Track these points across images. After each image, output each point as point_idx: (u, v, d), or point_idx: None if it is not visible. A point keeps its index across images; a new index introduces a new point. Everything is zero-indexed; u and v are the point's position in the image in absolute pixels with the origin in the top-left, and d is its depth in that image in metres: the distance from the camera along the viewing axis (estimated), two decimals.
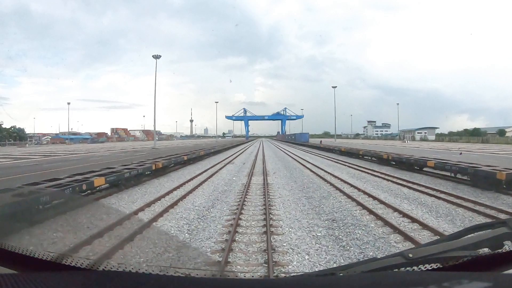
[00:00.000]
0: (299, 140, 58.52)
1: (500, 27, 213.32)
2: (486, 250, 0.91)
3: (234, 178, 12.07)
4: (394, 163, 15.77)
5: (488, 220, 5.62)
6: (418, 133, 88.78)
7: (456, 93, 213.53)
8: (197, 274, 1.20)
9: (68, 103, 75.86)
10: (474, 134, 79.66)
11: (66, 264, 0.93)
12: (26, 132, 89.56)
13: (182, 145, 50.85)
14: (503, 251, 0.87)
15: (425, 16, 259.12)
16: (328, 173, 13.38)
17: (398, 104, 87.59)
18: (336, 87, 64.76)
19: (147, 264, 4.05)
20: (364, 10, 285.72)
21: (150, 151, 29.17)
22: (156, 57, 41.13)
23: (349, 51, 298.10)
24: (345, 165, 16.70)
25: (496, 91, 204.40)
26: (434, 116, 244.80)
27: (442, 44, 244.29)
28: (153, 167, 11.23)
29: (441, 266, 0.85)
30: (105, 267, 0.92)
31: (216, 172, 13.75)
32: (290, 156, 24.11)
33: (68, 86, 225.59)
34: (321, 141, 52.17)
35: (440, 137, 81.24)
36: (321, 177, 12.08)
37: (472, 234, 0.96)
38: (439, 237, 4.28)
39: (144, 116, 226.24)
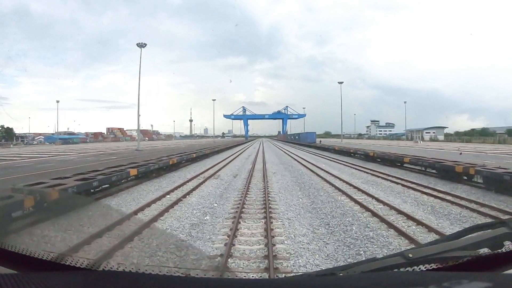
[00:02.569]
0: (304, 141, 49.96)
1: (500, 27, 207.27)
2: (486, 250, 0.88)
3: (206, 219, 5.92)
4: (466, 178, 9.90)
5: None
6: (426, 132, 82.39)
7: (456, 93, 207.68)
8: (197, 274, 1.18)
9: (57, 101, 69.25)
10: (483, 134, 74.89)
11: (66, 264, 0.92)
12: (22, 132, 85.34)
13: (174, 146, 44.60)
14: (503, 251, 0.85)
15: (425, 16, 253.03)
16: (385, 203, 7.17)
17: (405, 102, 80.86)
18: (342, 82, 57.79)
19: (147, 264, 3.77)
20: (364, 10, 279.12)
21: (130, 154, 23.40)
22: (141, 45, 34.86)
23: (349, 51, 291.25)
24: (395, 182, 10.41)
25: (496, 91, 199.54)
26: (434, 116, 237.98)
27: (442, 44, 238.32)
28: (28, 203, 4.88)
29: (441, 266, 0.84)
30: (105, 267, 0.90)
31: (180, 201, 7.49)
32: (300, 163, 17.62)
33: (68, 86, 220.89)
34: (320, 141, 46.66)
35: (450, 137, 75.66)
36: (380, 217, 5.82)
37: (472, 234, 0.93)
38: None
39: (139, 115, 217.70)
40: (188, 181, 10.48)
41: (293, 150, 32.55)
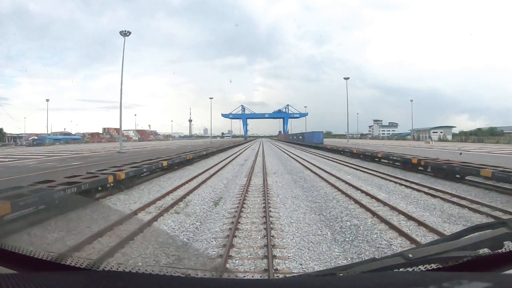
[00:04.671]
0: (309, 141, 43.49)
1: (500, 27, 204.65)
2: (486, 250, 0.86)
3: None
4: None
5: None
6: (433, 132, 77.58)
7: (456, 93, 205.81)
8: (197, 274, 1.12)
9: (47, 100, 65.67)
10: (492, 134, 71.97)
11: (66, 264, 0.91)
12: (18, 133, 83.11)
13: (164, 147, 40.09)
14: (503, 251, 0.84)
15: (425, 16, 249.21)
16: None
17: (411, 100, 75.78)
18: (348, 78, 53.08)
19: (147, 264, 3.72)
20: (364, 9, 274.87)
21: (103, 159, 19.65)
22: (125, 34, 30.83)
23: (349, 50, 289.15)
24: None
25: (496, 91, 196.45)
26: (434, 116, 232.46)
27: (442, 44, 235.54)
28: None
29: (441, 266, 0.83)
30: (105, 267, 0.90)
31: None
32: (315, 173, 12.62)
33: (67, 87, 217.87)
34: None
35: (458, 137, 72.40)
36: None
37: (472, 234, 0.92)
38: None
39: (135, 115, 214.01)
40: (124, 221, 5.49)
41: (298, 153, 27.88)
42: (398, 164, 14.42)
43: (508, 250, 0.83)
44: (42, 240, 4.63)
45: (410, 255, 0.82)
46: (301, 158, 21.23)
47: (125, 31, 30.67)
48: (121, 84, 30.51)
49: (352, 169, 14.67)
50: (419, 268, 0.82)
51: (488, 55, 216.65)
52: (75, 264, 0.89)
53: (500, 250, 0.84)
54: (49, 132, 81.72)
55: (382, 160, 16.48)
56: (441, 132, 78.50)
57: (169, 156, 14.96)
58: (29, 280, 0.76)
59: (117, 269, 0.86)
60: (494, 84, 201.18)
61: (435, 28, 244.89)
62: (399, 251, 2.95)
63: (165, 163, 12.14)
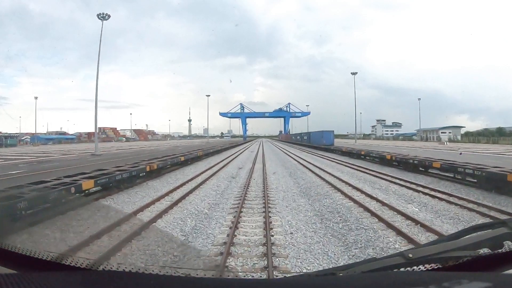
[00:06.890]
0: (316, 142, 36.83)
1: (500, 27, 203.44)
2: (486, 250, 0.85)
3: None
4: None
5: None
6: (442, 132, 73.10)
7: (456, 93, 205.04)
8: (197, 274, 1.11)
9: (36, 98, 61.81)
10: (501, 134, 69.64)
11: (66, 264, 0.90)
12: (16, 132, 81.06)
13: (154, 147, 36.08)
14: (503, 251, 0.83)
15: (425, 16, 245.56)
16: None
17: (419, 99, 70.88)
18: (356, 73, 48.53)
19: (147, 264, 3.68)
20: (364, 9, 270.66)
21: (63, 164, 16.13)
22: (103, 17, 26.40)
23: (349, 50, 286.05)
24: None
25: (496, 91, 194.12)
26: (434, 116, 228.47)
27: (442, 44, 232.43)
28: None
29: (441, 266, 0.82)
30: (105, 267, 0.89)
31: None
32: (362, 205, 6.89)
33: (68, 86, 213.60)
34: None
35: (467, 138, 69.50)
36: None
37: (472, 234, 0.90)
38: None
39: (131, 114, 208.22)
40: None
41: (307, 158, 21.99)
42: (471, 179, 9.22)
43: (508, 250, 0.83)
44: None
45: (410, 255, 0.81)
46: (314, 166, 15.93)
47: (103, 13, 26.40)
48: (97, 73, 25.81)
49: (404, 188, 9.24)
50: (419, 268, 0.81)
51: (488, 55, 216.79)
52: (75, 264, 0.89)
53: (500, 250, 0.83)
54: (45, 132, 78.58)
55: (431, 171, 11.52)
56: (450, 133, 74.07)
57: (117, 167, 9.74)
58: (29, 280, 0.76)
59: (117, 269, 0.86)
60: (494, 84, 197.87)
61: (435, 28, 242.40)
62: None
63: (88, 185, 6.52)
